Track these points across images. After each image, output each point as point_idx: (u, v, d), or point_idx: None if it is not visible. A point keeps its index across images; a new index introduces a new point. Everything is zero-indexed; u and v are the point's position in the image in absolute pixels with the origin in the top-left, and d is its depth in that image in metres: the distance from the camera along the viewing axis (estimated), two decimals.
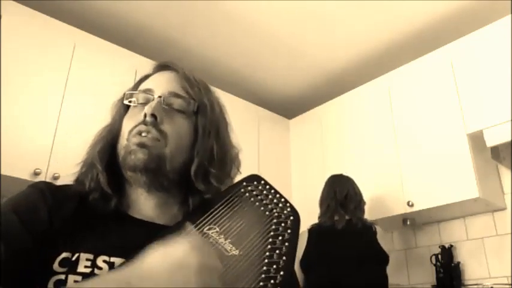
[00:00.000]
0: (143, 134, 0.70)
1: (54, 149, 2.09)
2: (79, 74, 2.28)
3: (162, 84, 0.76)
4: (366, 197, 2.29)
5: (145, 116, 0.70)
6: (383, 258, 2.04)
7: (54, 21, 2.30)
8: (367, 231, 2.08)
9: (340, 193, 2.19)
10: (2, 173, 1.88)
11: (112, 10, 2.53)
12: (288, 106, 3.47)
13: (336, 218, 2.13)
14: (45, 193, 0.67)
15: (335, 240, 2.08)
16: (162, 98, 0.73)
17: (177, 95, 0.75)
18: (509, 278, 2.27)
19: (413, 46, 2.78)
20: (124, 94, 0.78)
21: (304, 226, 2.20)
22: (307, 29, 2.70)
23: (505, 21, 2.30)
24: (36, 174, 1.99)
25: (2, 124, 1.94)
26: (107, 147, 0.74)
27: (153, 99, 0.73)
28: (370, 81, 2.91)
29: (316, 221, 2.22)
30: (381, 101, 2.78)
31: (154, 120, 0.70)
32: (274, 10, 2.53)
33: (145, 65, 0.86)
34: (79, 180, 0.73)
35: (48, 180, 2.01)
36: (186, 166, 0.72)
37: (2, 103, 1.97)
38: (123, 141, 0.72)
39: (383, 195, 2.57)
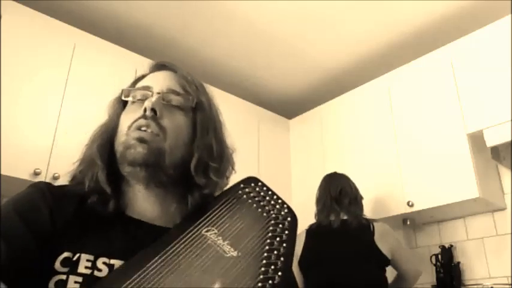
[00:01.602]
0: (143, 129, 0.70)
1: (54, 149, 2.09)
2: (79, 74, 2.28)
3: (160, 81, 0.77)
4: (366, 197, 2.28)
5: (145, 110, 0.70)
6: (380, 260, 2.00)
7: (54, 21, 2.29)
8: (364, 230, 2.05)
9: (335, 190, 2.18)
10: (2, 173, 1.88)
11: (112, 10, 2.53)
12: (288, 106, 3.47)
13: (332, 217, 2.12)
14: (45, 193, 0.67)
15: (331, 240, 2.07)
16: (161, 94, 0.73)
17: (175, 92, 0.76)
18: (509, 278, 2.27)
19: (413, 46, 2.78)
20: (122, 91, 0.78)
21: (304, 226, 2.20)
22: (307, 29, 2.70)
23: (505, 21, 2.29)
24: (36, 174, 1.99)
25: (2, 124, 1.94)
26: (105, 144, 0.74)
27: (151, 96, 0.73)
28: (370, 81, 2.91)
29: (315, 220, 2.22)
30: (381, 101, 2.78)
31: (154, 115, 0.70)
32: (274, 10, 2.53)
33: (145, 65, 0.86)
34: (77, 180, 0.73)
35: (48, 180, 2.02)
36: (185, 162, 0.72)
37: (2, 103, 1.97)
38: (121, 137, 0.72)
39: (383, 195, 2.57)
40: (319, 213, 2.20)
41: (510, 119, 2.13)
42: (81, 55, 2.32)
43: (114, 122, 0.76)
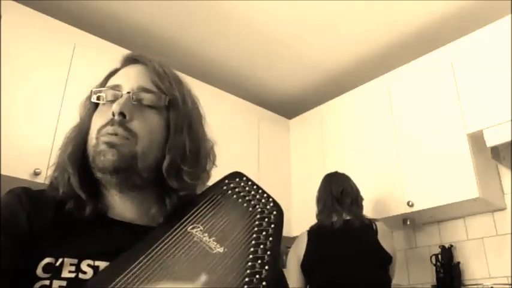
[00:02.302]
0: (111, 131, 0.67)
1: (54, 149, 2.08)
2: (79, 74, 2.28)
3: (130, 79, 0.73)
4: (366, 197, 2.28)
5: (113, 114, 0.67)
6: (384, 259, 2.00)
7: (54, 21, 2.30)
8: (367, 230, 2.04)
9: (336, 189, 2.17)
10: (2, 173, 1.88)
11: (112, 10, 2.53)
12: (288, 106, 3.47)
13: (334, 218, 2.11)
14: (22, 198, 0.66)
15: (334, 241, 2.06)
16: (131, 94, 0.70)
17: (146, 90, 0.72)
18: (509, 278, 2.27)
19: (413, 46, 2.78)
20: (91, 91, 0.75)
21: (304, 225, 2.20)
22: (307, 29, 2.70)
23: (505, 21, 2.29)
24: (36, 174, 1.99)
25: (2, 124, 1.95)
26: (78, 149, 0.71)
27: (121, 96, 0.70)
28: (370, 81, 2.91)
29: (316, 220, 2.21)
30: (381, 101, 2.78)
31: (123, 119, 0.67)
32: (274, 10, 2.53)
33: None
34: (53, 186, 0.71)
35: (48, 180, 2.01)
36: (159, 163, 0.69)
37: (2, 103, 1.97)
38: (91, 140, 0.69)
39: (383, 195, 2.57)
40: (320, 214, 2.19)
41: (510, 119, 2.13)
42: (81, 55, 2.33)
43: (86, 124, 0.73)
